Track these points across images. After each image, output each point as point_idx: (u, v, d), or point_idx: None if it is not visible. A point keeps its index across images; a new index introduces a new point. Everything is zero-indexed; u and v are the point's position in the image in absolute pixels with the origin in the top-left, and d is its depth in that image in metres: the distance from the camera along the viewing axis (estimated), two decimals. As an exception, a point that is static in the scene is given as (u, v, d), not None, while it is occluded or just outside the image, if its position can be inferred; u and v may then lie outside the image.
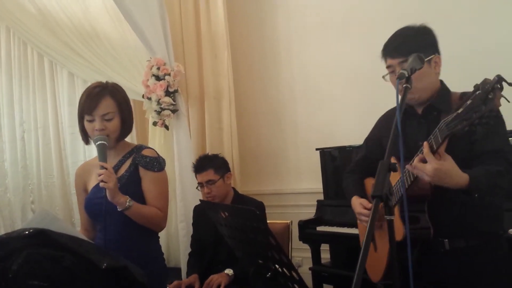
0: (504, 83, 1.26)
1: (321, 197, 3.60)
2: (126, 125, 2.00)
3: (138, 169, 2.00)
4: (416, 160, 1.47)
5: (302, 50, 4.19)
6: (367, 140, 2.06)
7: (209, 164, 2.90)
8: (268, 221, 2.82)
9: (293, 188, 4.21)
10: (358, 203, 1.84)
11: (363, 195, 1.90)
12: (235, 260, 2.59)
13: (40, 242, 1.43)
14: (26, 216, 3.95)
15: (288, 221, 3.08)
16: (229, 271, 2.71)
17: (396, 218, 1.59)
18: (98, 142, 1.93)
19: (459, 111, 1.29)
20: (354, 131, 3.84)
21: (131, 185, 1.98)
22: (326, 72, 4.04)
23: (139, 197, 1.98)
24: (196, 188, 2.98)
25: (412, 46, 1.66)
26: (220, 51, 4.13)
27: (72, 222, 3.99)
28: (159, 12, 3.54)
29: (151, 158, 2.01)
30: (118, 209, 1.87)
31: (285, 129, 4.32)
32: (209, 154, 3.11)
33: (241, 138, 4.31)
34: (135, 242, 1.98)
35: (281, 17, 4.31)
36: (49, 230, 1.46)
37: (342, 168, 3.54)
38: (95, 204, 1.97)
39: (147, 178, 1.99)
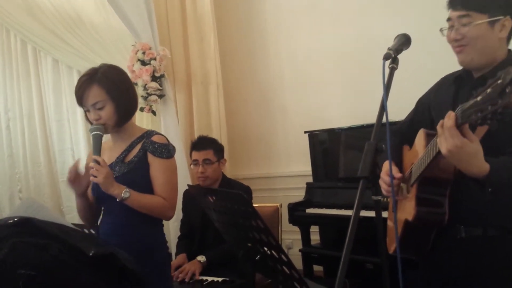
0: None
1: (310, 179, 3.62)
2: (122, 109, 1.93)
3: (146, 155, 1.96)
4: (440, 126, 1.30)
5: (290, 32, 4.17)
6: (419, 102, 1.84)
7: (211, 145, 2.94)
8: (257, 205, 2.84)
9: (282, 171, 4.23)
10: (384, 170, 1.68)
11: (397, 161, 1.74)
12: (222, 244, 2.61)
13: (25, 230, 1.41)
14: (14, 205, 3.91)
15: (278, 204, 3.10)
16: (201, 258, 2.72)
17: (412, 197, 1.54)
18: (93, 133, 1.90)
19: (478, 98, 1.14)
20: (342, 114, 3.86)
21: (139, 171, 1.95)
22: (314, 55, 4.03)
23: (147, 184, 1.95)
24: (190, 165, 2.98)
25: (478, 1, 1.48)
26: (206, 34, 4.09)
27: (61, 210, 3.97)
28: (143, -4, 3.48)
29: (160, 145, 1.96)
30: (117, 200, 1.86)
31: (273, 113, 4.31)
32: (209, 137, 3.12)
33: (230, 122, 4.30)
34: (138, 228, 1.95)
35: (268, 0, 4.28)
36: (35, 218, 1.45)
37: (331, 150, 3.55)
38: (100, 189, 1.94)
39: (155, 165, 1.95)
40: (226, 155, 4.03)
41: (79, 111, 3.89)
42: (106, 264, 1.51)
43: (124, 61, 3.71)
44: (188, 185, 2.45)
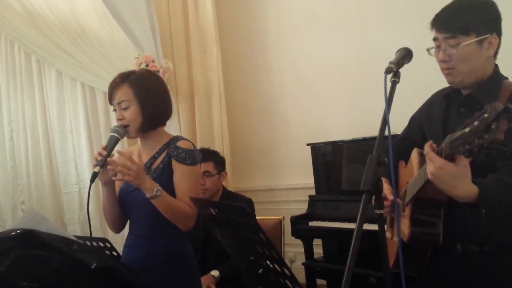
0: None
1: (313, 192, 3.61)
2: (148, 114, 1.89)
3: (171, 161, 1.91)
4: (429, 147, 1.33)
5: (291, 45, 4.19)
6: (412, 118, 1.84)
7: (211, 157, 2.92)
8: (260, 217, 2.83)
9: (285, 184, 4.22)
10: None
11: (394, 177, 1.70)
12: (224, 258, 2.60)
13: (28, 243, 1.41)
14: (17, 216, 3.90)
15: (280, 217, 3.09)
16: (215, 273, 2.70)
17: (406, 217, 1.54)
18: (110, 134, 1.88)
19: (466, 130, 1.14)
20: (345, 126, 3.86)
21: (164, 178, 1.90)
22: (316, 66, 4.04)
23: (172, 190, 1.89)
24: None
25: (461, 22, 1.47)
26: (209, 47, 4.12)
27: (63, 222, 3.96)
28: (147, 8, 3.52)
29: (184, 150, 1.90)
30: (146, 196, 1.80)
31: (276, 125, 4.31)
32: (211, 149, 3.12)
33: (232, 134, 4.30)
34: (163, 240, 1.92)
35: (270, 12, 4.30)
36: (37, 230, 1.45)
37: (333, 163, 3.55)
38: (126, 197, 1.92)
39: (178, 172, 1.90)
40: (228, 167, 4.04)
41: (82, 123, 3.91)
42: (109, 277, 1.50)
43: (127, 73, 3.73)
44: (190, 197, 2.44)
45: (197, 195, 1.95)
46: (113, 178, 1.81)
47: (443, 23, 1.52)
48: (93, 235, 1.97)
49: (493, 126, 1.06)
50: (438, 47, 1.54)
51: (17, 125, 4.06)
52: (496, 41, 1.51)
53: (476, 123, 1.11)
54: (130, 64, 3.71)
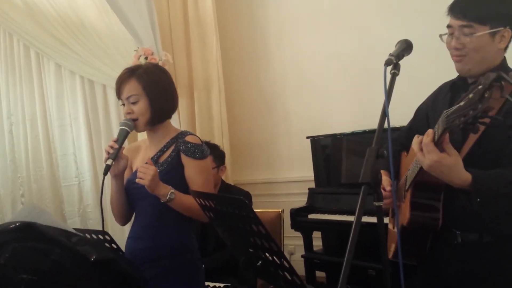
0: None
1: (313, 185, 3.62)
2: (156, 108, 1.93)
3: (180, 155, 1.94)
4: (419, 142, 1.37)
5: (293, 38, 4.18)
6: (418, 109, 1.87)
7: (211, 151, 2.90)
8: (259, 210, 2.84)
9: (285, 177, 4.22)
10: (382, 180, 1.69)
11: (395, 168, 1.75)
12: (222, 251, 2.60)
13: (27, 235, 1.41)
14: (16, 209, 3.91)
15: (280, 210, 3.09)
16: None
17: (406, 202, 1.56)
18: (120, 127, 1.92)
19: (461, 103, 1.16)
20: (344, 119, 3.86)
21: (173, 172, 1.93)
22: (317, 59, 4.04)
23: (180, 184, 1.92)
24: None
25: (479, 12, 1.49)
26: (208, 38, 4.11)
27: (63, 215, 3.96)
28: (146, 1, 3.50)
29: (193, 145, 1.93)
30: (161, 201, 1.84)
31: (276, 118, 4.31)
32: (211, 142, 3.11)
33: (232, 127, 4.30)
34: (167, 232, 1.94)
35: (271, 4, 4.29)
36: (36, 223, 1.45)
37: (333, 156, 3.55)
38: (133, 188, 1.95)
39: (190, 166, 1.93)
40: (228, 160, 4.04)
41: (82, 116, 3.90)
42: (108, 269, 1.51)
43: (126, 66, 3.71)
44: (190, 191, 2.44)
45: (211, 189, 1.98)
46: (137, 181, 1.82)
47: (461, 10, 1.52)
48: (95, 227, 1.98)
49: (486, 95, 1.09)
50: (451, 34, 1.55)
51: (17, 118, 4.05)
52: (509, 35, 1.52)
53: (471, 95, 1.14)
54: (129, 57, 3.70)
